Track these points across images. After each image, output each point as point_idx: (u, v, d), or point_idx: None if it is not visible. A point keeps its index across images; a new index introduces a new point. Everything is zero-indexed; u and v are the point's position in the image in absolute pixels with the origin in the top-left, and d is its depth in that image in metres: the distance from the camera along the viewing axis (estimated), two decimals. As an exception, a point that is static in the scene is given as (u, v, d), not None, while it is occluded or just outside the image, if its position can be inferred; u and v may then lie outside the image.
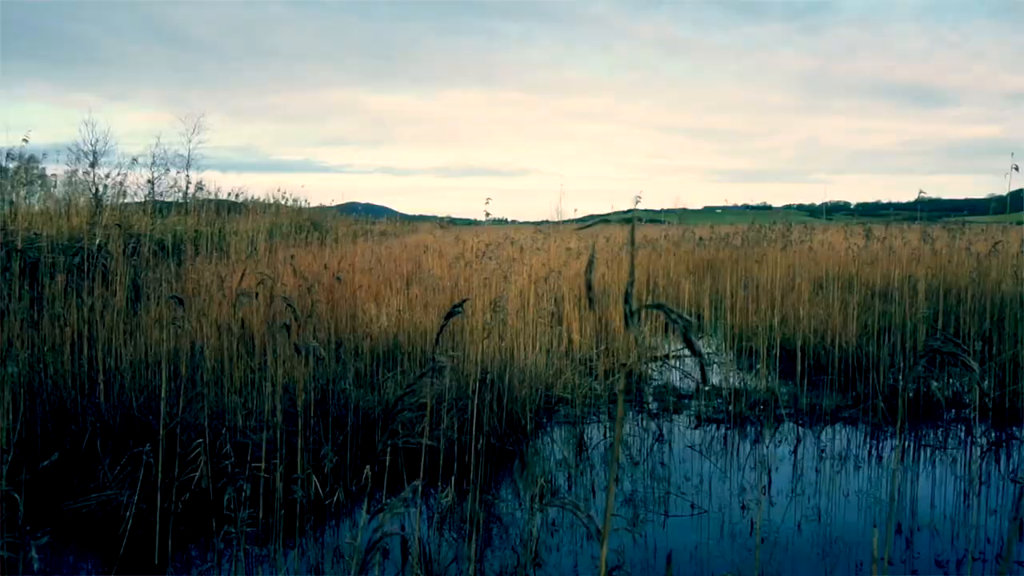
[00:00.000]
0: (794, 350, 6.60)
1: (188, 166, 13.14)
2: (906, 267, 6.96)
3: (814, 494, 3.99)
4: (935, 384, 5.66)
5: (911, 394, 5.58)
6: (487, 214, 6.60)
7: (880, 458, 4.67)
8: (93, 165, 10.19)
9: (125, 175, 10.42)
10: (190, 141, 13.41)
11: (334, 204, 24.73)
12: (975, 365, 0.83)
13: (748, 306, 7.68)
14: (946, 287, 6.23)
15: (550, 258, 7.99)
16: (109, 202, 10.30)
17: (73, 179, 16.15)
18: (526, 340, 5.67)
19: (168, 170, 11.91)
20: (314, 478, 3.81)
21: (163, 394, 3.15)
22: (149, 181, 11.46)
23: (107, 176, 10.03)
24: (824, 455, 4.60)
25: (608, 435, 4.99)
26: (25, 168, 19.35)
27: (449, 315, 1.73)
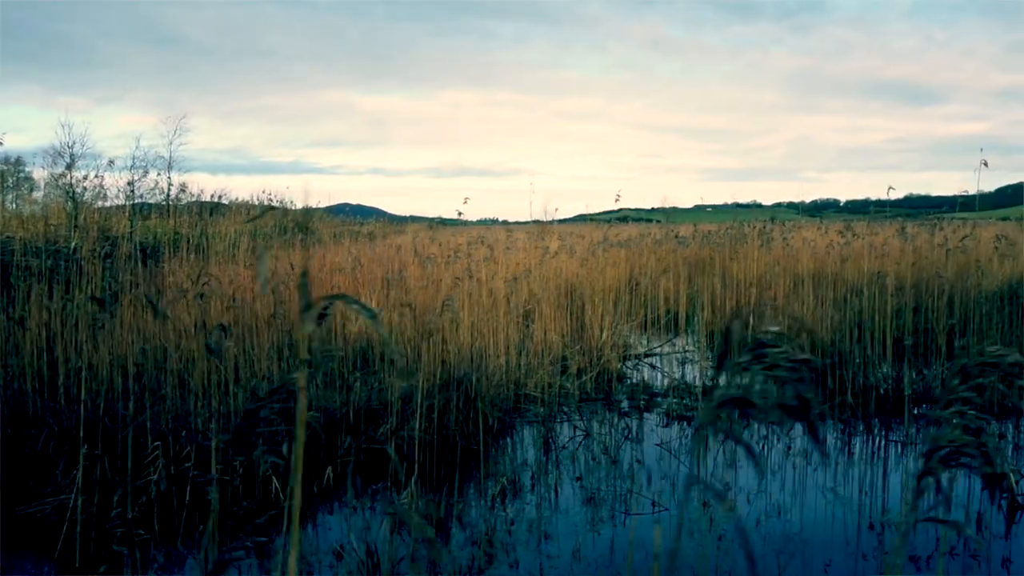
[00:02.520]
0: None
1: (170, 168, 13.07)
2: (880, 263, 6.98)
3: (778, 491, 3.98)
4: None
5: (883, 390, 5.60)
6: (459, 213, 6.59)
7: (850, 454, 4.67)
8: (69, 168, 10.12)
9: (102, 178, 10.35)
10: (171, 143, 13.35)
11: (325, 205, 24.65)
12: (814, 359, 0.81)
13: (725, 303, 7.68)
14: (914, 282, 6.24)
15: (528, 257, 7.98)
16: (87, 205, 10.22)
17: (60, 182, 16.09)
18: (497, 339, 5.65)
19: (146, 173, 11.84)
20: (274, 479, 3.79)
21: (82, 396, 3.12)
22: (129, 183, 11.40)
23: (85, 179, 9.96)
24: (791, 451, 4.60)
25: (577, 433, 4.98)
26: (8, 171, 19.24)
27: (320, 317, 1.70)
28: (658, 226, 14.00)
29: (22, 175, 19.59)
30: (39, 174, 13.45)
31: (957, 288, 5.96)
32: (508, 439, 4.89)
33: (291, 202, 20.15)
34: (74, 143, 11.05)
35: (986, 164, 5.62)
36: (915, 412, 5.37)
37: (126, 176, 12.03)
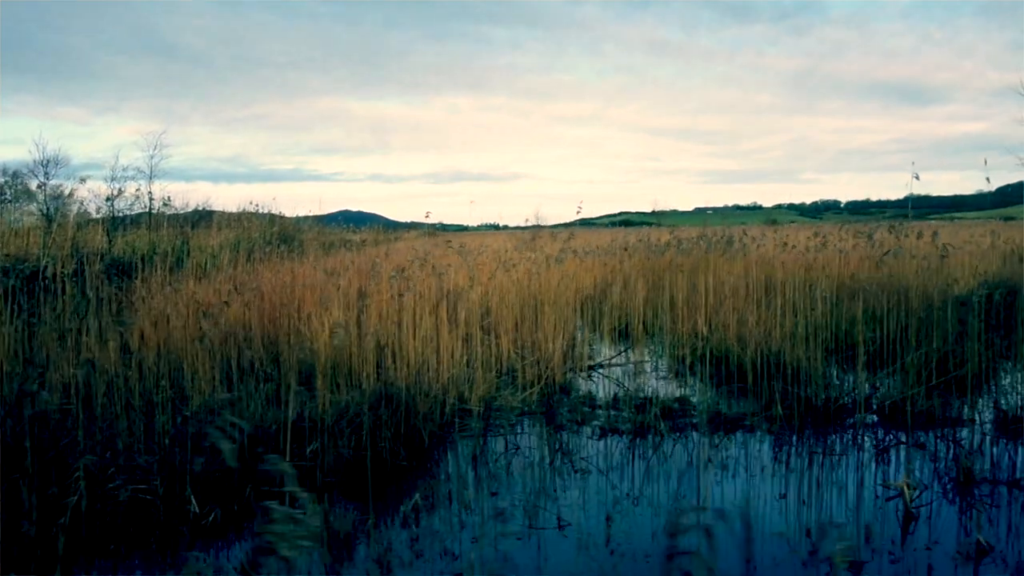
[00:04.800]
0: (720, 358, 6.71)
1: (151, 180, 13.24)
2: (820, 273, 7.07)
3: (688, 503, 4.08)
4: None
5: (820, 401, 5.68)
6: (436, 230, 6.68)
7: (772, 465, 4.76)
8: (42, 186, 10.28)
9: (72, 192, 10.50)
10: (152, 157, 13.52)
11: (325, 213, 24.87)
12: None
13: (682, 314, 7.78)
14: (852, 293, 6.33)
15: (481, 271, 8.10)
16: (64, 221, 10.35)
17: (61, 194, 16.26)
18: (440, 355, 5.77)
19: (121, 191, 11.98)
20: (192, 497, 3.91)
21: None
22: (108, 198, 11.56)
23: (59, 196, 10.11)
24: (710, 464, 4.69)
25: (509, 448, 5.09)
26: (6, 184, 19.45)
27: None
28: (636, 232, 14.12)
29: (19, 187, 19.81)
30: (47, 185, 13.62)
31: (884, 299, 6.05)
32: (440, 455, 5.00)
33: (279, 211, 20.27)
34: (48, 161, 11.21)
35: (917, 177, 5.73)
36: (849, 422, 5.46)
37: (106, 191, 12.18)
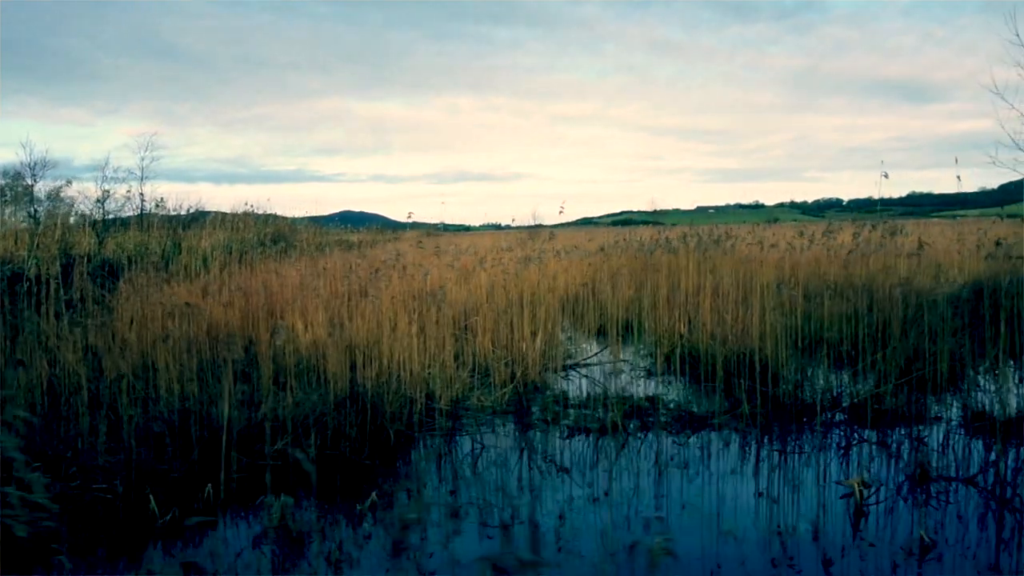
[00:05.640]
0: (696, 357, 6.73)
1: (142, 181, 13.31)
2: (794, 271, 7.08)
3: (645, 501, 4.11)
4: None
5: (788, 400, 5.71)
6: (429, 239, 6.74)
7: (734, 464, 4.78)
8: (28, 189, 10.34)
9: (58, 192, 10.57)
10: (143, 158, 13.59)
11: (327, 213, 25.03)
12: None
13: (660, 314, 7.81)
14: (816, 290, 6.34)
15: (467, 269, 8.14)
16: (52, 222, 10.42)
17: (59, 195, 16.33)
18: (413, 352, 5.81)
19: (109, 194, 12.04)
20: (151, 497, 3.95)
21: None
22: (98, 200, 11.63)
23: (47, 198, 10.18)
24: (672, 462, 4.72)
25: (475, 447, 5.12)
26: (7, 185, 19.55)
27: None
28: (627, 231, 14.15)
29: (20, 189, 19.92)
30: (41, 187, 13.64)
31: (859, 298, 6.07)
32: (406, 454, 5.03)
33: (275, 212, 20.35)
34: (35, 163, 11.27)
35: (887, 175, 5.73)
36: (817, 420, 5.48)
37: (96, 192, 12.25)
